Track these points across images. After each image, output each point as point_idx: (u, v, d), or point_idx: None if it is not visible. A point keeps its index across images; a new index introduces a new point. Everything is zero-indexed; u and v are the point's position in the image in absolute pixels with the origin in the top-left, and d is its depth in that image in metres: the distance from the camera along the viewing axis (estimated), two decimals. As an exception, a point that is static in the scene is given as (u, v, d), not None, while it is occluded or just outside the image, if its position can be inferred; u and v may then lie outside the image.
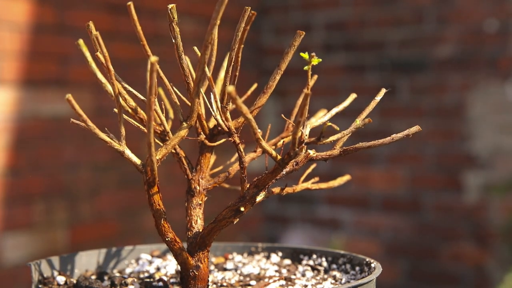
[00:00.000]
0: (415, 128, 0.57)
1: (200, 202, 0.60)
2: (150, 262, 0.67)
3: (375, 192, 3.47)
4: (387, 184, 3.44)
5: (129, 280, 0.58)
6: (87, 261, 0.65)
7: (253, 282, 0.62)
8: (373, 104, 0.60)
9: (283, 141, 0.63)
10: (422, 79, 3.41)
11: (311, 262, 0.67)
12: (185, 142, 0.58)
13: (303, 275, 0.64)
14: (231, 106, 0.59)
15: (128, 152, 0.53)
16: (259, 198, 0.55)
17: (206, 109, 0.60)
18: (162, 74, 0.59)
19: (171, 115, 0.68)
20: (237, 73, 0.57)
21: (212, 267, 0.67)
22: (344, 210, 3.59)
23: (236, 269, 0.67)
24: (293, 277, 0.63)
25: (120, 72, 0.64)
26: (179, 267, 0.59)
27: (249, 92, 0.70)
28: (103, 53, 0.54)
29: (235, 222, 0.55)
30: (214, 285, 0.61)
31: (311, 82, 0.59)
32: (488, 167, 3.20)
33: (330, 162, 3.31)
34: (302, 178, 0.65)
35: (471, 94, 3.25)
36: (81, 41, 0.53)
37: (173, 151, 0.59)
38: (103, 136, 0.52)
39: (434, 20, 3.36)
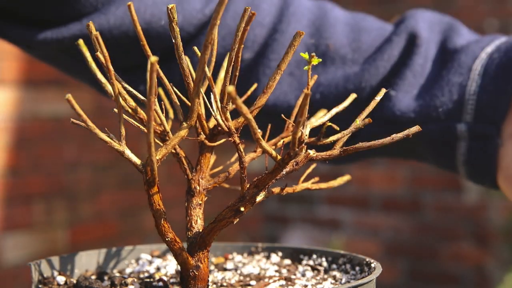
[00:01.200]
0: (415, 128, 0.57)
1: (200, 202, 0.59)
2: (150, 262, 0.67)
3: (375, 192, 3.47)
4: (387, 184, 3.44)
5: (129, 280, 0.58)
6: (87, 261, 0.65)
7: (253, 282, 0.61)
8: (373, 104, 0.60)
9: (283, 141, 0.62)
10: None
11: (311, 262, 0.66)
12: (185, 142, 0.58)
13: (303, 275, 0.64)
14: (231, 106, 0.59)
15: (128, 152, 0.53)
16: (259, 198, 0.54)
17: (206, 109, 0.60)
18: (162, 74, 0.59)
19: (171, 115, 0.68)
20: (237, 73, 0.56)
21: (212, 267, 0.67)
22: (344, 210, 3.59)
23: (236, 269, 0.66)
24: (293, 277, 0.63)
25: (120, 72, 0.64)
26: (179, 267, 0.59)
27: (249, 92, 0.70)
28: (103, 53, 0.54)
29: (235, 222, 0.55)
30: (214, 285, 0.61)
31: (311, 82, 0.59)
32: (488, 167, 3.20)
33: (330, 162, 3.31)
34: (302, 178, 0.65)
35: (471, 94, 3.24)
36: (81, 41, 0.53)
37: (173, 151, 0.59)
38: (103, 136, 0.52)
39: (434, 20, 3.35)
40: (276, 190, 0.58)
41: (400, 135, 0.57)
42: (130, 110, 0.58)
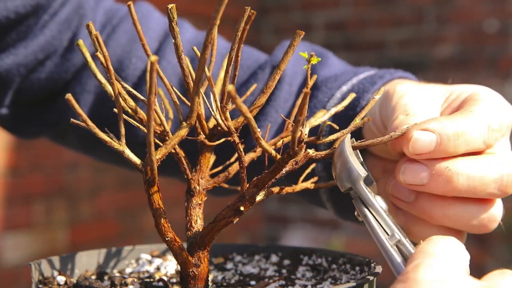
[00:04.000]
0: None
1: (200, 202, 0.60)
2: (150, 262, 0.67)
3: (375, 192, 3.47)
4: (387, 184, 3.43)
5: (129, 280, 0.58)
6: (87, 261, 0.65)
7: (253, 282, 0.62)
8: (372, 103, 0.60)
9: (283, 141, 0.62)
10: (422, 79, 3.40)
11: (311, 262, 0.67)
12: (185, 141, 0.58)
13: (303, 275, 0.64)
14: (230, 105, 0.59)
15: (128, 152, 0.53)
16: (258, 198, 0.55)
17: (205, 109, 0.60)
18: (162, 74, 0.59)
19: (171, 115, 0.68)
20: (237, 73, 0.57)
21: (212, 267, 0.67)
22: (344, 210, 3.58)
23: (236, 269, 0.67)
24: (293, 277, 0.63)
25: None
26: (179, 267, 0.59)
27: (248, 92, 0.70)
28: (103, 53, 0.54)
29: (235, 222, 0.55)
30: (214, 285, 0.61)
31: (311, 82, 0.59)
32: (488, 167, 3.20)
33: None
34: (302, 178, 0.65)
35: (471, 94, 3.23)
36: (81, 41, 0.53)
37: (173, 151, 0.59)
38: (103, 136, 0.52)
39: (434, 20, 3.36)
40: (276, 189, 0.58)
41: (398, 133, 0.58)
42: (130, 110, 0.58)
